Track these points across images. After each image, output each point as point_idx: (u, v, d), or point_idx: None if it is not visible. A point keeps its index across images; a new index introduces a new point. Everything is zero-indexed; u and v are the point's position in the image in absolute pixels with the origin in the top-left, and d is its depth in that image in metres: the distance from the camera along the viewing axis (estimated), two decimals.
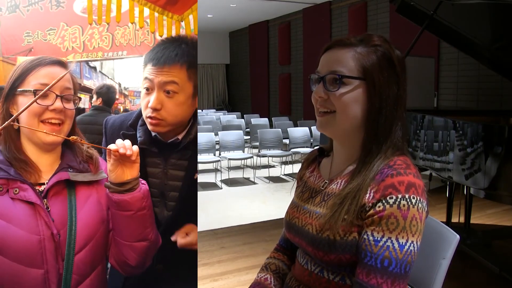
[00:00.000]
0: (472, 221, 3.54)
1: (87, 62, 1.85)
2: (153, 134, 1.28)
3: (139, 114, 1.34)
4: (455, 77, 6.24)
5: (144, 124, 1.31)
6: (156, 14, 1.64)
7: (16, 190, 1.00)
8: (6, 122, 0.99)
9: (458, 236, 1.15)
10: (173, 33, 1.59)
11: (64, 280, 0.99)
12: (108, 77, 1.97)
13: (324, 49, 1.01)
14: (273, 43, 11.42)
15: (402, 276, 0.86)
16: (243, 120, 9.03)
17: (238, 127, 7.50)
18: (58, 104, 1.05)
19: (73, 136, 1.07)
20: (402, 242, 0.86)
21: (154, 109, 1.21)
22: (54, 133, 1.04)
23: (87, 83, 2.01)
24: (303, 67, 10.01)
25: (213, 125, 7.80)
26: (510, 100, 5.41)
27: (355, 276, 0.89)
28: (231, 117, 9.62)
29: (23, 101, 1.04)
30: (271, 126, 8.35)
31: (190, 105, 1.25)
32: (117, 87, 1.86)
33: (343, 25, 8.56)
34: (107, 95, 2.13)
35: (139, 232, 1.09)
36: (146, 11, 1.68)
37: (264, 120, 8.79)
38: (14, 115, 0.99)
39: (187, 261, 1.34)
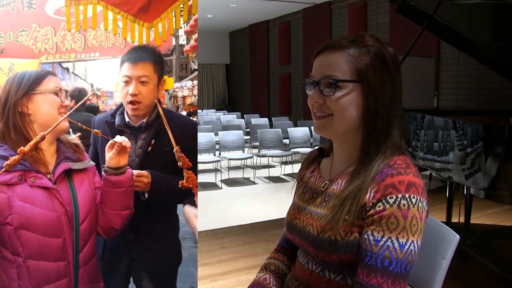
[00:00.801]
0: (472, 221, 3.54)
1: (59, 63, 1.87)
2: (126, 120, 1.68)
3: (119, 106, 1.72)
4: (455, 77, 6.24)
5: (121, 113, 1.70)
6: (129, 22, 1.81)
7: (33, 179, 1.26)
8: (61, 119, 1.31)
9: (458, 236, 1.15)
10: (144, 39, 1.82)
11: (75, 245, 1.31)
12: (81, 78, 2.00)
13: (316, 52, 1.00)
14: (273, 43, 11.42)
15: (402, 275, 0.86)
16: (243, 120, 9.03)
17: (238, 127, 7.50)
18: (67, 101, 1.37)
19: (95, 130, 1.44)
20: (402, 242, 0.86)
21: (134, 94, 1.61)
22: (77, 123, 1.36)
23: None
24: (303, 67, 10.01)
25: (213, 125, 7.80)
26: (510, 100, 5.41)
27: (356, 276, 0.89)
28: (231, 117, 9.62)
29: (42, 98, 1.31)
30: (271, 126, 8.35)
31: (156, 92, 1.69)
32: (89, 87, 1.97)
33: (343, 25, 8.56)
34: (79, 97, 2.24)
35: (126, 203, 1.43)
36: (119, 18, 1.82)
37: (264, 120, 8.79)
38: (65, 115, 1.32)
39: (152, 232, 1.72)
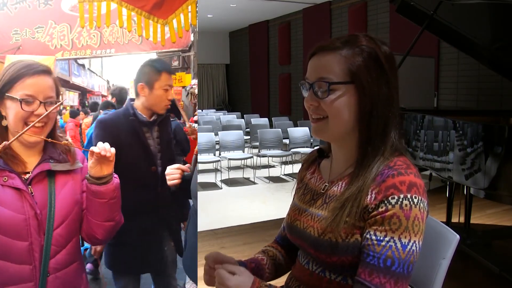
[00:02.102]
0: (472, 221, 3.54)
1: (75, 59, 1.88)
2: (143, 116, 1.88)
3: (128, 105, 1.88)
4: (455, 77, 6.24)
5: (134, 110, 1.89)
6: (143, 19, 1.79)
7: (5, 178, 1.20)
8: (9, 141, 1.17)
9: (458, 236, 1.15)
10: (159, 36, 1.83)
11: (45, 250, 1.24)
12: (97, 75, 2.00)
13: (310, 54, 1.00)
14: (273, 43, 11.42)
15: (404, 276, 0.86)
16: (243, 120, 9.03)
17: (238, 127, 7.50)
18: (42, 110, 1.22)
19: (65, 141, 1.33)
20: (405, 242, 0.86)
21: (172, 99, 1.89)
22: (36, 135, 1.24)
23: (76, 80, 2.05)
24: (303, 67, 9.99)
25: (213, 125, 7.80)
26: (510, 100, 5.41)
27: (357, 276, 0.89)
28: (231, 117, 9.63)
29: (10, 105, 1.21)
30: (271, 126, 8.35)
31: None
32: (105, 84, 2.00)
33: (343, 25, 8.57)
34: (120, 95, 2.24)
35: (108, 215, 1.35)
36: (134, 15, 1.81)
37: (264, 120, 8.79)
38: (14, 138, 1.18)
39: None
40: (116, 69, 1.99)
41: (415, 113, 3.03)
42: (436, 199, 4.31)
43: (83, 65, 2.01)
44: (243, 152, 6.56)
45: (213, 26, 12.51)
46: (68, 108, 2.13)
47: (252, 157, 6.39)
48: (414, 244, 0.87)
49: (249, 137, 7.64)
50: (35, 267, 1.23)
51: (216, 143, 6.51)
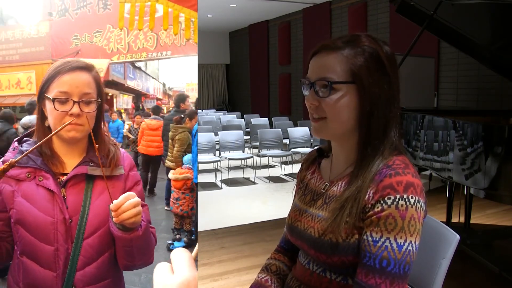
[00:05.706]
0: (472, 221, 3.54)
1: (132, 62, 1.88)
2: None
3: None
4: (455, 77, 6.24)
5: None
6: (193, 19, 1.66)
7: (40, 178, 1.16)
8: (41, 141, 1.13)
9: (458, 236, 1.15)
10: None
11: (72, 258, 1.16)
12: (152, 77, 2.01)
13: (311, 53, 1.00)
14: (273, 43, 11.42)
15: (401, 276, 0.86)
16: (243, 120, 9.03)
17: (238, 127, 7.49)
18: (75, 109, 1.14)
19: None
20: (401, 242, 0.86)
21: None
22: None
23: (130, 83, 2.07)
24: (303, 67, 10.00)
25: (213, 125, 7.80)
26: (510, 100, 5.41)
27: (355, 276, 0.89)
28: (231, 117, 9.63)
29: (48, 105, 1.16)
30: (271, 126, 8.35)
31: None
32: (161, 87, 2.01)
33: (343, 25, 8.56)
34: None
35: (126, 258, 1.21)
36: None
37: (264, 120, 8.79)
38: (48, 136, 1.14)
39: None
40: (173, 71, 1.96)
41: (415, 113, 3.03)
42: (436, 199, 4.31)
43: (139, 68, 2.01)
44: (243, 152, 6.56)
45: (213, 26, 12.51)
46: (122, 111, 2.18)
47: (252, 157, 6.39)
48: (410, 244, 0.86)
49: (249, 137, 7.64)
50: (58, 276, 1.15)
51: (216, 143, 6.51)
